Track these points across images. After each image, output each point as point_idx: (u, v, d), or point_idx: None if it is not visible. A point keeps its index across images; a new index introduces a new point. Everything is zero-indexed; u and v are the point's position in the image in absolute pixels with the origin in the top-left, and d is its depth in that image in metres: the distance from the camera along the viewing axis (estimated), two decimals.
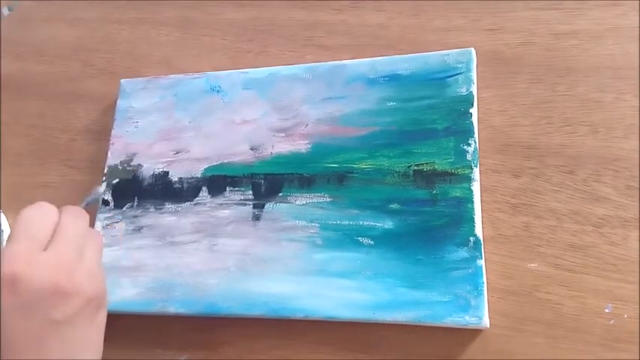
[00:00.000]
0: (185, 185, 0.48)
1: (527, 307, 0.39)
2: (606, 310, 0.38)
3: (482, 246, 0.40)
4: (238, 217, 0.46)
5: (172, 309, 0.44)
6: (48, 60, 0.62)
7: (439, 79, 0.45)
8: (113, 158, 0.51)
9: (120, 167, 0.51)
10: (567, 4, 0.47)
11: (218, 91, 0.51)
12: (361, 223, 0.43)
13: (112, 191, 0.50)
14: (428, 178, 0.42)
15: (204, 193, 0.48)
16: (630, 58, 0.43)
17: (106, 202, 0.50)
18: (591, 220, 0.40)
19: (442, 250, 0.40)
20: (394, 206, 0.42)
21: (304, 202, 0.45)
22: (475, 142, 0.42)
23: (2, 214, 0.54)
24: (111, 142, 0.52)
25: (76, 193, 0.53)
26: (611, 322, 0.37)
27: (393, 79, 0.46)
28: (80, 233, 0.35)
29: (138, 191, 0.49)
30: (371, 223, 0.42)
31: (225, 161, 0.48)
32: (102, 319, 0.35)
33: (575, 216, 0.40)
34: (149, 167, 0.50)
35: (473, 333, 0.39)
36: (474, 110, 0.43)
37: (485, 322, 0.38)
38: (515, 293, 0.39)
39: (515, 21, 0.47)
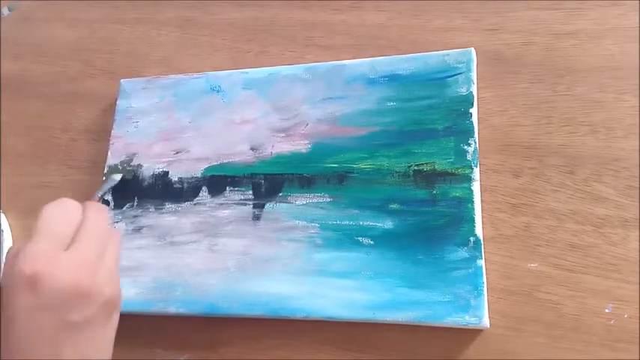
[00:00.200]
0: (185, 185, 0.49)
1: (527, 307, 0.39)
2: (606, 310, 0.38)
3: (482, 246, 0.40)
4: (238, 217, 0.46)
5: (172, 309, 0.44)
6: (48, 60, 0.62)
7: (439, 79, 0.45)
8: (113, 158, 0.51)
9: (120, 167, 0.51)
10: (567, 4, 0.47)
11: (218, 91, 0.51)
12: (361, 223, 0.43)
13: (112, 191, 0.50)
14: (428, 178, 0.42)
15: (204, 193, 0.48)
16: (630, 58, 0.43)
17: (106, 202, 0.50)
18: (591, 220, 0.40)
19: (442, 250, 0.40)
20: (394, 206, 0.42)
21: (304, 202, 0.45)
22: (475, 142, 0.42)
23: (2, 214, 0.54)
24: (111, 142, 0.52)
25: (76, 193, 0.53)
26: (611, 322, 0.37)
27: (393, 79, 0.46)
28: (102, 232, 0.35)
29: (138, 191, 0.49)
30: (371, 223, 0.42)
31: (225, 161, 0.48)
32: (115, 320, 0.35)
33: (575, 216, 0.40)
34: (149, 167, 0.50)
35: (473, 333, 0.39)
36: (474, 110, 0.43)
37: (485, 322, 0.38)
38: (515, 293, 0.39)
39: (515, 21, 0.47)
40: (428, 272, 0.40)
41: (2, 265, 0.52)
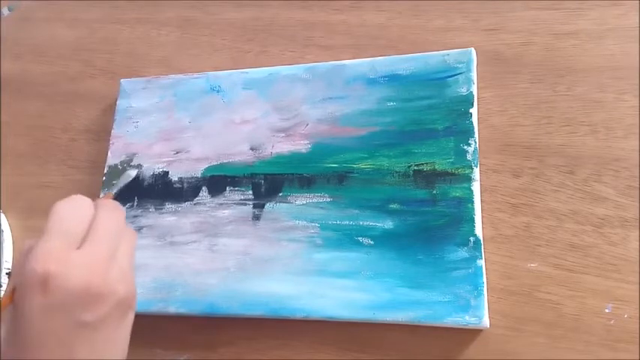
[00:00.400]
0: (185, 185, 0.49)
1: (527, 307, 0.39)
2: (606, 310, 0.38)
3: (482, 246, 0.40)
4: (238, 217, 0.46)
5: (172, 309, 0.44)
6: (48, 60, 0.62)
7: (439, 79, 0.45)
8: (113, 158, 0.51)
9: (120, 167, 0.51)
10: (567, 4, 0.47)
11: (218, 91, 0.51)
12: (361, 223, 0.43)
13: (108, 189, 0.50)
14: (428, 178, 0.42)
15: (204, 193, 0.48)
16: (630, 58, 0.43)
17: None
18: (591, 220, 0.40)
19: (442, 250, 0.40)
20: (394, 206, 0.42)
21: (304, 202, 0.45)
22: (475, 142, 0.42)
23: (2, 214, 0.54)
24: (111, 142, 0.52)
25: (77, 193, 0.53)
26: (611, 322, 0.37)
27: (393, 79, 0.46)
28: (115, 230, 0.34)
29: (138, 191, 0.49)
30: (371, 223, 0.42)
31: (225, 161, 0.48)
32: (130, 320, 0.34)
33: (575, 216, 0.40)
34: (149, 167, 0.50)
35: (473, 333, 0.39)
36: (474, 110, 0.43)
37: (485, 322, 0.38)
38: (515, 293, 0.39)
39: (515, 21, 0.47)
40: (428, 272, 0.40)
41: (2, 265, 0.52)
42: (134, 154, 0.51)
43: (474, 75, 0.44)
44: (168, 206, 0.48)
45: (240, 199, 0.46)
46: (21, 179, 0.56)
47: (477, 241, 0.40)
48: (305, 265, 0.42)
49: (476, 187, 0.41)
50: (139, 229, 0.48)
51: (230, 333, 0.44)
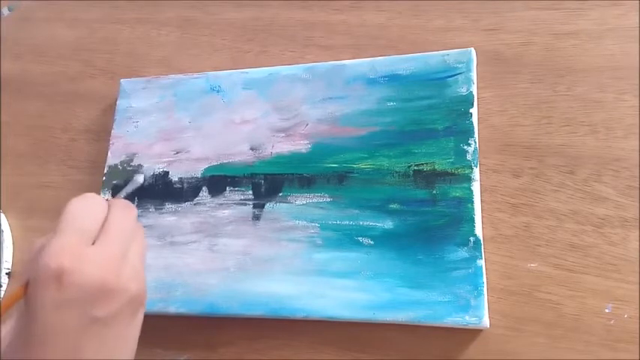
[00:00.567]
0: (185, 185, 0.49)
1: (527, 307, 0.39)
2: (606, 310, 0.38)
3: (482, 246, 0.40)
4: (238, 217, 0.46)
5: (172, 309, 0.44)
6: (48, 60, 0.62)
7: (439, 79, 0.45)
8: (113, 158, 0.51)
9: (120, 167, 0.51)
10: (567, 4, 0.47)
11: (218, 91, 0.51)
12: (361, 223, 0.43)
13: (112, 191, 0.50)
14: (428, 178, 0.42)
15: (204, 193, 0.48)
16: (630, 58, 0.43)
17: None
18: (591, 220, 0.40)
19: (442, 250, 0.40)
20: (394, 206, 0.42)
21: (304, 202, 0.45)
22: (475, 142, 0.42)
23: (2, 214, 0.54)
24: (111, 142, 0.52)
25: (77, 194, 0.53)
26: (611, 322, 0.37)
27: (393, 79, 0.46)
28: (128, 228, 0.34)
29: (138, 191, 0.49)
30: (371, 223, 0.42)
31: (225, 161, 0.48)
32: (140, 318, 0.34)
33: (575, 216, 0.40)
34: (149, 167, 0.50)
35: (473, 333, 0.39)
36: (474, 110, 0.43)
37: (485, 322, 0.38)
38: (515, 293, 0.39)
39: (515, 21, 0.47)
40: (428, 272, 0.40)
41: (2, 265, 0.52)
42: (134, 154, 0.51)
43: (474, 75, 0.44)
44: (168, 206, 0.48)
45: (240, 199, 0.46)
46: (21, 179, 0.56)
47: (476, 241, 0.40)
48: (305, 265, 0.43)
49: (476, 187, 0.41)
50: None
51: (230, 333, 0.44)
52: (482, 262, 0.39)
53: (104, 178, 0.51)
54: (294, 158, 0.46)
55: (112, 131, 0.53)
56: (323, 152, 0.46)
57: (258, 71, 0.50)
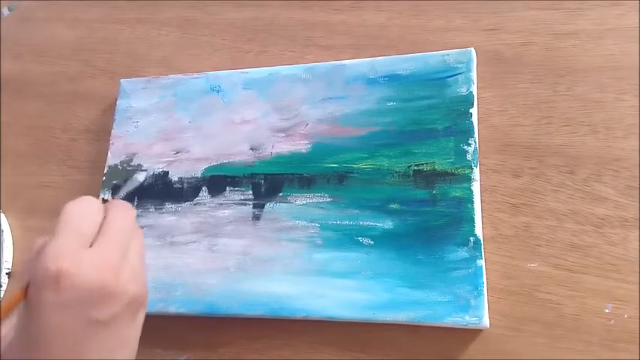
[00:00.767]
0: (185, 185, 0.49)
1: (527, 307, 0.39)
2: (606, 310, 0.38)
3: (482, 246, 0.40)
4: (238, 217, 0.46)
5: (172, 309, 0.44)
6: (48, 60, 0.62)
7: (439, 79, 0.45)
8: (113, 158, 0.51)
9: (120, 167, 0.51)
10: (567, 4, 0.47)
11: (218, 91, 0.51)
12: (361, 223, 0.43)
13: (112, 191, 0.50)
14: (428, 178, 0.42)
15: (204, 193, 0.48)
16: (630, 58, 0.43)
17: (105, 202, 0.50)
18: (591, 220, 0.40)
19: (442, 250, 0.40)
20: (394, 206, 0.42)
21: (304, 202, 0.45)
22: (475, 142, 0.42)
23: (2, 214, 0.54)
24: (111, 142, 0.52)
25: (77, 194, 0.53)
26: (611, 322, 0.37)
27: (393, 79, 0.46)
28: (126, 230, 0.34)
29: (138, 191, 0.49)
30: (371, 223, 0.42)
31: (225, 161, 0.48)
32: (141, 318, 0.34)
33: (575, 216, 0.40)
34: (149, 167, 0.50)
35: (473, 333, 0.39)
36: (474, 110, 0.43)
37: (485, 322, 0.38)
38: (515, 293, 0.39)
39: (515, 21, 0.47)
40: (428, 272, 0.40)
41: (2, 265, 0.52)
42: (134, 154, 0.51)
43: (474, 75, 0.44)
44: (168, 206, 0.48)
45: (240, 199, 0.46)
46: (21, 179, 0.56)
47: (476, 241, 0.40)
48: (305, 265, 0.42)
49: (476, 187, 0.41)
50: None
51: (230, 333, 0.44)
52: (482, 262, 0.39)
53: (104, 178, 0.51)
54: (294, 158, 0.46)
55: (112, 131, 0.53)
56: (323, 152, 0.46)
57: (258, 71, 0.50)
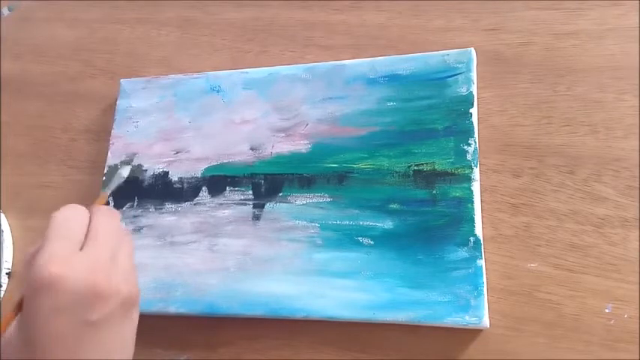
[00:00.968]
0: (185, 185, 0.49)
1: (527, 307, 0.39)
2: (606, 310, 0.38)
3: (482, 246, 0.40)
4: (238, 217, 0.46)
5: (172, 309, 0.44)
6: (48, 60, 0.62)
7: (439, 79, 0.45)
8: (113, 158, 0.51)
9: (120, 167, 0.51)
10: (567, 4, 0.47)
11: (218, 91, 0.51)
12: (361, 223, 0.43)
13: (112, 191, 0.50)
14: (428, 178, 0.42)
15: (204, 193, 0.48)
16: (630, 58, 0.43)
17: (105, 202, 0.50)
18: (591, 220, 0.40)
19: (442, 250, 0.40)
20: (394, 206, 0.42)
21: (304, 202, 0.45)
22: (475, 142, 0.42)
23: (2, 214, 0.54)
24: (111, 142, 0.52)
25: (77, 193, 0.53)
26: (611, 322, 0.37)
27: (393, 79, 0.46)
28: (113, 233, 0.35)
29: (138, 191, 0.49)
30: (371, 223, 0.42)
31: (225, 161, 0.48)
32: (135, 318, 0.35)
33: (575, 216, 0.40)
34: (149, 167, 0.50)
35: (473, 333, 0.39)
36: (474, 110, 0.43)
37: (485, 322, 0.38)
38: (515, 293, 0.39)
39: (515, 21, 0.47)
40: (428, 272, 0.40)
41: (2, 265, 0.52)
42: (134, 154, 0.51)
43: (474, 75, 0.44)
44: (168, 206, 0.48)
45: (240, 199, 0.46)
46: (21, 179, 0.56)
47: (476, 241, 0.40)
48: (305, 265, 0.42)
49: (476, 187, 0.41)
50: (139, 229, 0.48)
51: (230, 333, 0.44)
52: (482, 262, 0.39)
53: (104, 178, 0.51)
54: (294, 158, 0.46)
55: (112, 131, 0.53)
56: (323, 152, 0.46)
57: (258, 71, 0.50)
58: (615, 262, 0.39)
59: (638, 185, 0.40)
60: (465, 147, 0.42)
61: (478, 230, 0.40)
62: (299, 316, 0.41)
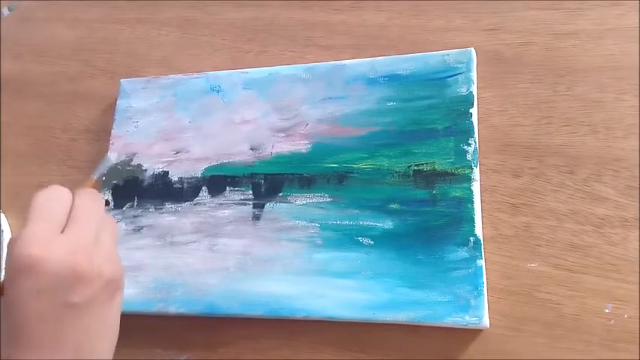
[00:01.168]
0: (185, 185, 0.49)
1: (527, 307, 0.39)
2: (606, 310, 0.38)
3: (482, 246, 0.40)
4: (238, 217, 0.46)
5: (172, 309, 0.44)
6: (48, 60, 0.62)
7: (439, 79, 0.45)
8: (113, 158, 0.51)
9: (120, 167, 0.51)
10: (567, 4, 0.47)
11: (218, 91, 0.51)
12: (361, 223, 0.43)
13: (112, 191, 0.50)
14: (428, 178, 0.42)
15: (204, 193, 0.48)
16: (630, 58, 0.43)
17: (106, 202, 0.50)
18: (591, 220, 0.40)
19: (442, 250, 0.40)
20: (394, 206, 0.42)
21: (304, 202, 0.45)
22: (475, 142, 0.42)
23: (2, 214, 0.54)
24: (111, 142, 0.52)
25: None
26: (611, 322, 0.37)
27: (393, 79, 0.46)
28: (96, 215, 0.35)
29: (138, 191, 0.49)
30: (371, 223, 0.42)
31: (225, 161, 0.48)
32: (119, 302, 0.35)
33: (575, 216, 0.40)
34: (149, 167, 0.50)
35: (473, 333, 0.39)
36: (474, 110, 0.43)
37: (485, 322, 0.38)
38: (515, 293, 0.39)
39: (515, 21, 0.47)
40: (428, 272, 0.40)
41: (2, 265, 0.52)
42: (134, 154, 0.51)
43: (474, 75, 0.44)
44: (168, 206, 0.48)
45: (240, 199, 0.46)
46: (21, 179, 0.56)
47: (476, 241, 0.40)
48: (305, 265, 0.43)
49: (476, 187, 0.41)
50: (139, 229, 0.48)
51: (230, 333, 0.44)
52: (482, 262, 0.39)
53: (104, 178, 0.51)
54: (294, 158, 0.46)
55: (112, 131, 0.53)
56: (323, 152, 0.46)
57: (258, 71, 0.50)
58: (615, 262, 0.39)
59: (638, 185, 0.40)
60: (465, 147, 0.42)
61: (478, 230, 0.40)
62: (299, 316, 0.41)
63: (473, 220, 0.40)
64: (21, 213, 0.55)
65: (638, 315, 0.37)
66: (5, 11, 0.68)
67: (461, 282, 0.39)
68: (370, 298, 0.40)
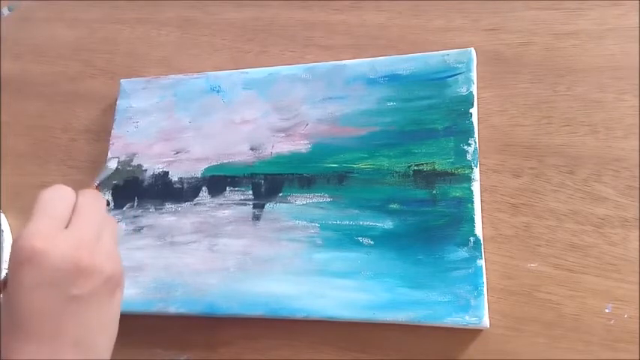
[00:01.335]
0: (185, 185, 0.49)
1: (527, 307, 0.39)
2: (606, 310, 0.38)
3: (482, 246, 0.40)
4: (238, 217, 0.46)
5: (172, 309, 0.44)
6: (48, 60, 0.62)
7: (439, 79, 0.45)
8: None
9: (120, 167, 0.51)
10: (567, 4, 0.47)
11: (218, 91, 0.51)
12: (361, 223, 0.43)
13: (112, 191, 0.50)
14: (428, 178, 0.42)
15: (204, 193, 0.48)
16: (630, 58, 0.43)
17: (106, 203, 0.50)
18: (591, 220, 0.40)
19: (442, 250, 0.40)
20: (394, 206, 0.42)
21: (304, 202, 0.45)
22: (475, 142, 0.42)
23: (2, 214, 0.54)
24: (111, 142, 0.52)
25: None
26: (611, 322, 0.37)
27: (393, 79, 0.46)
28: (98, 215, 0.35)
29: (138, 191, 0.49)
30: (371, 223, 0.42)
31: (225, 161, 0.48)
32: (119, 299, 0.35)
33: (575, 216, 0.40)
34: (149, 167, 0.50)
35: (473, 333, 0.39)
36: (474, 110, 0.43)
37: (485, 322, 0.38)
38: (515, 293, 0.39)
39: (515, 21, 0.47)
40: (428, 272, 0.40)
41: (2, 265, 0.52)
42: (134, 154, 0.51)
43: (474, 75, 0.44)
44: (168, 206, 0.48)
45: (240, 199, 0.46)
46: (21, 179, 0.56)
47: (476, 241, 0.40)
48: (305, 265, 0.43)
49: (476, 187, 0.41)
50: (139, 229, 0.48)
51: (230, 333, 0.44)
52: (482, 262, 0.39)
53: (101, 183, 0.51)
54: (294, 158, 0.46)
55: (112, 131, 0.53)
56: (323, 152, 0.46)
57: (258, 71, 0.50)
58: (615, 262, 0.39)
59: (638, 185, 0.40)
60: (465, 147, 0.42)
61: (478, 230, 0.40)
62: (299, 316, 0.41)
63: (473, 220, 0.40)
64: (21, 213, 0.55)
65: (638, 315, 0.37)
66: (5, 11, 0.68)
67: (461, 282, 0.39)
68: (370, 298, 0.40)
